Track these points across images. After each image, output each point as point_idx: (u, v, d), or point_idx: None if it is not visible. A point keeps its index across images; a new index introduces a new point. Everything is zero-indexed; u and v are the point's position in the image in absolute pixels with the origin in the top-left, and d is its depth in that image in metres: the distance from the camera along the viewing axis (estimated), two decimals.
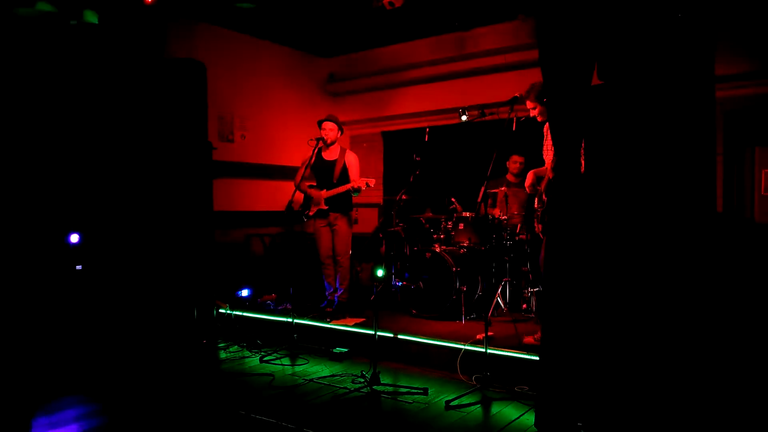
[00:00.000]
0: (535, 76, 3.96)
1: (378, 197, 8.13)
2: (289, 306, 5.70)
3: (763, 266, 3.98)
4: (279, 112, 7.65)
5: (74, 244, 5.03)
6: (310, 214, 5.64)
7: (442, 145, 6.96)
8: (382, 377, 4.04)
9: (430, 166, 6.24)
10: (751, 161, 5.86)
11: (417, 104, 7.76)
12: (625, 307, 2.81)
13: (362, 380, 4.04)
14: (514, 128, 4.54)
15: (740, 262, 3.98)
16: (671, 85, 2.69)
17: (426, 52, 7.40)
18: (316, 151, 5.54)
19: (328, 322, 5.16)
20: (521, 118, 4.63)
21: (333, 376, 4.27)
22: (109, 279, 5.21)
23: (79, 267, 5.07)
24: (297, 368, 4.51)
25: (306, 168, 5.52)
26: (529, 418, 3.38)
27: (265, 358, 4.74)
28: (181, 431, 3.40)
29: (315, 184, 5.69)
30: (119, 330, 5.09)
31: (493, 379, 3.98)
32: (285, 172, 7.44)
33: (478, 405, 3.67)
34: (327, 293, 5.73)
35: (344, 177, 5.56)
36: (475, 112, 5.89)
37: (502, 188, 5.67)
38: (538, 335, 4.17)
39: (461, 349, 4.29)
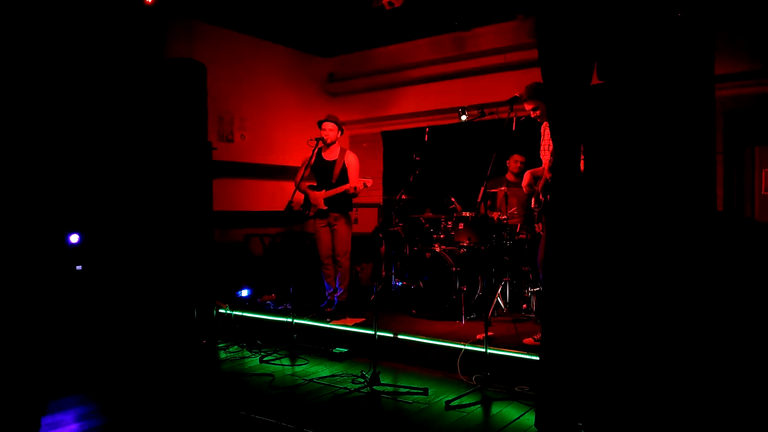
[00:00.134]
0: (534, 75, 3.96)
1: (378, 197, 8.13)
2: (288, 306, 5.70)
3: (764, 266, 3.98)
4: (279, 112, 7.65)
5: (74, 245, 5.02)
6: (310, 214, 5.64)
7: (441, 144, 6.96)
8: (382, 377, 4.04)
9: (430, 166, 6.24)
10: (751, 161, 5.86)
11: (417, 104, 7.76)
12: (626, 307, 2.80)
13: (362, 380, 4.04)
14: (514, 128, 4.55)
15: (740, 262, 3.98)
16: (671, 85, 2.69)
17: (426, 51, 7.39)
18: (316, 151, 5.54)
19: (328, 322, 5.16)
20: (521, 117, 4.63)
21: (333, 376, 4.27)
22: (109, 279, 5.20)
23: (79, 267, 5.06)
24: (297, 368, 4.51)
25: (306, 168, 5.52)
26: (530, 418, 3.38)
27: (265, 359, 4.74)
28: (181, 431, 3.40)
29: (315, 184, 5.69)
30: (119, 330, 5.09)
31: (493, 379, 3.98)
32: (285, 172, 7.44)
33: (479, 405, 3.67)
34: (327, 293, 5.73)
35: (343, 177, 5.56)
36: (475, 112, 5.89)
37: (502, 188, 5.66)
38: (537, 336, 4.17)
39: (461, 349, 4.29)
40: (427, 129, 6.17)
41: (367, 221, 7.78)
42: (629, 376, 2.77)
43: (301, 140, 6.92)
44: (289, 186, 5.62)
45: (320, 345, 5.05)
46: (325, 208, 5.56)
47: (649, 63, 2.72)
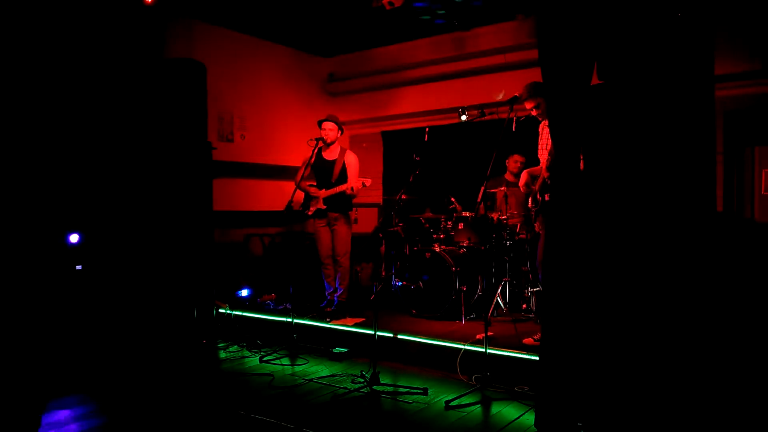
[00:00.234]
0: (534, 75, 3.96)
1: (378, 197, 8.13)
2: (288, 306, 5.70)
3: (763, 266, 3.98)
4: (279, 112, 7.65)
5: (74, 244, 5.02)
6: (309, 213, 5.64)
7: (441, 144, 6.96)
8: (382, 377, 4.04)
9: (430, 166, 6.24)
10: (751, 161, 5.86)
11: (417, 104, 7.76)
12: (625, 307, 2.80)
13: (362, 380, 4.04)
14: (513, 128, 4.54)
15: (740, 262, 3.98)
16: (671, 85, 2.69)
17: (426, 51, 7.39)
18: (316, 150, 5.54)
19: (327, 322, 5.16)
20: (521, 117, 4.62)
21: (333, 376, 4.27)
22: (108, 279, 5.20)
23: (79, 267, 5.06)
24: (297, 368, 4.51)
25: (306, 167, 5.52)
26: (529, 418, 3.38)
27: (265, 358, 4.74)
28: (181, 431, 3.40)
29: (315, 183, 5.69)
30: (119, 330, 5.09)
31: (493, 379, 3.98)
32: (285, 172, 7.44)
33: (478, 405, 3.67)
34: (327, 293, 5.73)
35: (343, 177, 5.56)
36: (475, 112, 5.88)
37: (502, 188, 5.66)
38: (537, 336, 4.17)
39: (461, 349, 4.29)
40: (427, 129, 6.17)
41: (367, 221, 7.78)
42: (629, 376, 2.77)
43: (301, 140, 6.92)
44: (289, 186, 5.62)
45: (320, 345, 5.05)
46: (325, 207, 5.56)
47: (649, 63, 2.72)
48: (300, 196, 5.63)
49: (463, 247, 5.66)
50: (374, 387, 3.93)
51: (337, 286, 5.67)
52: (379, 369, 4.07)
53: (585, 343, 2.92)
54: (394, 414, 3.55)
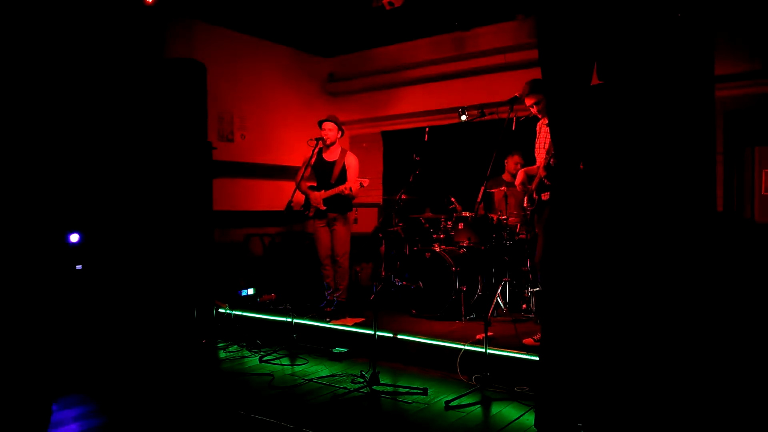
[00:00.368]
0: (534, 75, 3.96)
1: (378, 197, 8.13)
2: (288, 306, 5.70)
3: (763, 266, 3.98)
4: (279, 112, 7.65)
5: (74, 244, 5.03)
6: (310, 214, 5.64)
7: (441, 144, 6.96)
8: (382, 377, 4.04)
9: (430, 166, 6.24)
10: (751, 161, 5.85)
11: (417, 104, 7.76)
12: (625, 307, 2.80)
13: (362, 380, 4.04)
14: (513, 128, 4.54)
15: (740, 262, 3.98)
16: (671, 85, 2.69)
17: (426, 51, 7.39)
18: (316, 151, 5.54)
19: (327, 322, 5.16)
20: (521, 117, 4.62)
21: (332, 376, 4.27)
22: (109, 279, 5.20)
23: (79, 267, 5.06)
24: (296, 368, 4.51)
25: (306, 168, 5.52)
26: (529, 419, 3.38)
27: (265, 358, 4.74)
28: (181, 431, 3.40)
29: (315, 184, 5.69)
30: (119, 329, 5.09)
31: (492, 379, 3.98)
32: (285, 172, 7.44)
33: (478, 405, 3.67)
34: (326, 293, 5.73)
35: (342, 178, 5.56)
36: (475, 112, 5.89)
37: (502, 188, 5.66)
38: (537, 336, 4.17)
39: (461, 349, 4.29)
40: (427, 129, 6.17)
41: (367, 221, 7.78)
42: (629, 376, 2.77)
43: (301, 140, 6.92)
44: (289, 186, 5.62)
45: (320, 345, 5.05)
46: (324, 208, 5.56)
47: (648, 63, 2.72)
48: (300, 196, 5.63)
49: (463, 247, 5.66)
50: (374, 387, 3.93)
51: (336, 286, 5.67)
52: (379, 369, 4.07)
53: (585, 343, 2.92)
54: (394, 414, 3.55)
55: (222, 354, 5.00)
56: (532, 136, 4.45)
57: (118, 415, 3.58)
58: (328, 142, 5.60)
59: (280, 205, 7.18)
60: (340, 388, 4.00)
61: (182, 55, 6.13)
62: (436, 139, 6.35)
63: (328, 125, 5.60)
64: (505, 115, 4.56)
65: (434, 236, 5.79)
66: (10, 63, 4.89)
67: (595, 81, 2.93)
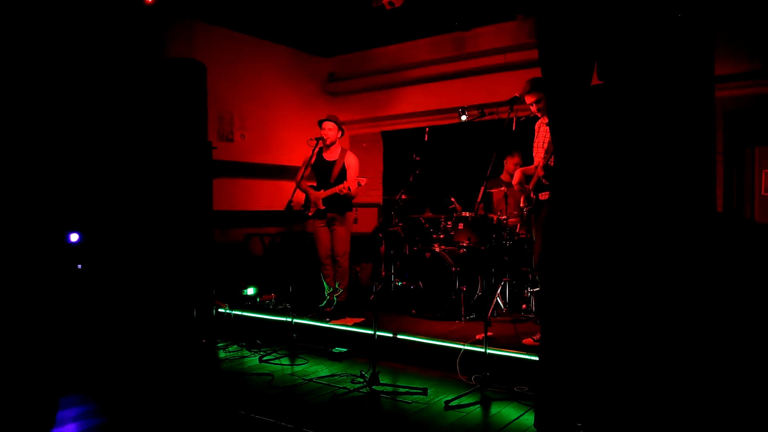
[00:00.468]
0: (534, 75, 3.97)
1: (378, 197, 8.13)
2: (288, 306, 5.70)
3: (763, 266, 3.98)
4: (279, 112, 7.65)
5: (74, 244, 5.03)
6: (310, 214, 5.64)
7: (441, 144, 6.96)
8: (382, 377, 4.04)
9: (430, 166, 6.25)
10: (751, 161, 5.85)
11: (417, 104, 7.76)
12: (625, 308, 2.80)
13: (361, 380, 4.04)
14: (513, 128, 4.54)
15: (740, 263, 3.98)
16: (671, 85, 2.69)
17: (426, 51, 7.39)
18: (316, 150, 5.54)
19: (327, 322, 5.16)
20: (521, 117, 4.62)
21: (332, 375, 4.27)
22: (109, 278, 5.20)
23: (79, 266, 5.06)
24: (296, 368, 4.51)
25: (306, 167, 5.52)
26: (529, 419, 3.38)
27: (265, 358, 4.74)
28: (181, 431, 3.40)
29: (315, 184, 5.69)
30: (119, 329, 5.09)
31: (492, 379, 3.98)
32: (285, 172, 7.44)
33: (478, 405, 3.67)
34: (326, 293, 5.73)
35: (342, 177, 5.56)
36: (475, 112, 5.89)
37: (502, 188, 5.67)
38: (537, 336, 4.17)
39: (461, 349, 4.29)
40: (427, 129, 6.17)
41: (367, 221, 7.78)
42: (628, 376, 2.77)
43: (301, 140, 6.92)
44: (289, 186, 5.62)
45: (320, 345, 5.05)
46: (324, 207, 5.56)
47: (649, 63, 2.72)
48: (300, 196, 5.63)
49: (463, 247, 5.66)
50: (374, 387, 3.93)
51: (336, 286, 5.67)
52: (379, 369, 4.06)
53: (584, 343, 2.92)
54: (394, 414, 3.55)
55: (222, 354, 5.00)
56: (532, 136, 4.45)
57: (118, 415, 3.58)
58: (328, 142, 5.59)
59: (280, 205, 7.19)
60: (339, 388, 4.00)
61: (182, 55, 6.13)
62: (436, 139, 6.35)
63: (328, 125, 5.60)
64: (505, 116, 4.55)
65: (434, 236, 5.79)
66: (10, 63, 4.89)
67: (595, 81, 2.93)
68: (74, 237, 5.02)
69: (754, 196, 5.85)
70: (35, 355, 3.91)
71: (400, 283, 5.68)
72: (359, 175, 5.61)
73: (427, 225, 6.07)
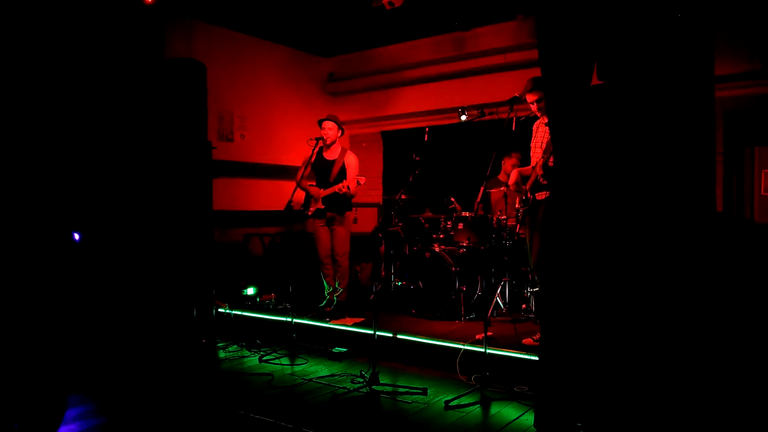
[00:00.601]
0: (534, 75, 3.97)
1: (378, 197, 8.13)
2: (288, 305, 5.70)
3: (763, 266, 3.98)
4: (279, 112, 7.65)
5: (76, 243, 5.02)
6: (309, 213, 5.64)
7: (441, 144, 6.95)
8: (382, 377, 4.04)
9: (430, 166, 6.24)
10: (751, 161, 5.86)
11: (416, 104, 7.76)
12: (625, 308, 2.80)
13: (361, 380, 4.04)
14: (513, 128, 4.54)
15: (740, 263, 3.97)
16: (671, 85, 2.69)
17: (426, 51, 7.39)
18: (316, 150, 5.54)
19: (327, 322, 5.16)
20: (521, 117, 4.62)
21: (332, 375, 4.27)
22: (108, 278, 5.20)
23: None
24: (296, 368, 4.51)
25: (306, 167, 5.52)
26: (529, 418, 3.38)
27: (264, 358, 4.74)
28: (181, 431, 3.40)
29: (314, 183, 5.69)
30: (118, 329, 5.08)
31: (492, 379, 3.98)
32: (285, 172, 7.44)
33: (478, 405, 3.67)
34: (326, 293, 5.73)
35: (342, 177, 5.55)
36: (475, 112, 5.89)
37: (501, 188, 5.67)
38: (537, 336, 4.17)
39: (461, 349, 4.29)
40: (426, 129, 6.17)
41: (366, 221, 7.78)
42: (628, 376, 2.77)
43: (301, 140, 6.92)
44: (289, 186, 5.62)
45: (319, 344, 5.05)
46: (324, 207, 5.56)
47: (648, 63, 2.71)
48: (300, 195, 5.63)
49: (463, 247, 5.66)
50: (374, 387, 3.93)
51: (336, 286, 5.67)
52: (379, 369, 4.06)
53: (584, 343, 2.92)
54: (394, 414, 3.55)
55: (222, 354, 5.00)
56: (531, 136, 4.45)
57: (117, 415, 3.58)
58: (328, 142, 5.59)
59: (279, 205, 7.18)
60: (339, 387, 4.00)
61: (182, 55, 6.13)
62: (436, 139, 6.35)
63: (328, 124, 5.60)
64: (504, 115, 4.55)
65: (434, 236, 5.79)
66: (10, 63, 4.89)
67: (595, 81, 2.93)
68: (75, 237, 5.02)
69: (753, 196, 5.85)
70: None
71: (400, 283, 5.68)
72: (359, 174, 5.61)
73: (426, 225, 6.08)
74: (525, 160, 5.99)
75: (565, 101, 2.94)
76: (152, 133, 5.35)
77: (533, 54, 3.35)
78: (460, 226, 5.76)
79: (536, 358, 3.76)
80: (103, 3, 5.45)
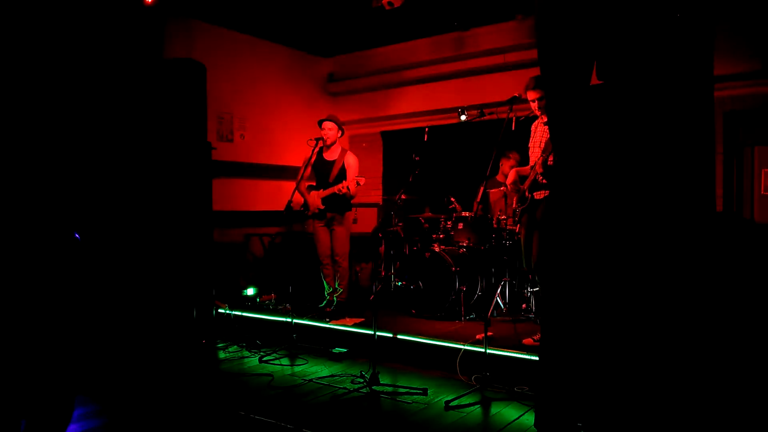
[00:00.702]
0: (535, 74, 3.97)
1: (377, 197, 8.13)
2: (288, 306, 5.70)
3: (763, 266, 3.98)
4: (278, 112, 7.64)
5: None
6: (309, 213, 5.64)
7: (441, 144, 6.95)
8: (382, 377, 4.04)
9: (430, 166, 6.24)
10: (750, 161, 5.86)
11: (416, 104, 7.76)
12: (625, 308, 2.80)
13: (361, 380, 4.04)
14: (513, 128, 4.54)
15: (740, 262, 3.97)
16: (670, 85, 2.68)
17: (425, 51, 7.39)
18: (316, 150, 5.54)
19: (327, 322, 5.16)
20: (520, 117, 4.62)
21: (332, 376, 4.27)
22: (108, 279, 5.20)
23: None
24: (296, 368, 4.51)
25: (306, 167, 5.52)
26: (529, 419, 3.38)
27: (265, 358, 4.74)
28: (181, 431, 3.40)
29: (314, 184, 5.70)
30: (118, 330, 5.08)
31: (492, 379, 3.98)
32: (285, 172, 7.44)
33: (478, 405, 3.67)
34: (326, 293, 5.73)
35: (341, 177, 5.55)
36: (474, 112, 5.88)
37: (501, 188, 5.67)
38: (537, 336, 4.17)
39: (461, 349, 4.29)
40: (426, 129, 6.17)
41: (366, 221, 7.78)
42: (628, 376, 2.77)
43: (301, 140, 6.92)
44: (289, 186, 5.63)
45: (320, 345, 5.05)
46: (323, 208, 5.56)
47: (648, 63, 2.71)
48: (300, 196, 5.63)
49: (463, 247, 5.66)
50: (374, 387, 3.93)
51: (336, 286, 5.67)
52: (379, 369, 4.06)
53: (584, 343, 2.92)
54: (394, 414, 3.55)
55: (222, 354, 5.00)
56: (530, 136, 4.45)
57: (118, 416, 3.58)
58: (328, 142, 5.59)
59: (279, 205, 7.18)
60: (339, 388, 4.00)
61: (182, 55, 6.13)
62: (436, 139, 6.34)
63: (328, 125, 5.60)
64: (504, 115, 4.55)
65: (434, 236, 5.79)
66: (10, 63, 4.89)
67: (595, 81, 2.93)
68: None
69: (753, 195, 5.85)
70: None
71: (399, 283, 5.68)
72: (358, 175, 5.61)
73: (426, 225, 6.07)
74: (523, 160, 6.00)
75: (565, 101, 2.93)
76: (152, 134, 5.35)
77: (532, 54, 3.35)
78: (460, 226, 5.76)
79: (536, 358, 3.76)
80: (103, 3, 5.45)
